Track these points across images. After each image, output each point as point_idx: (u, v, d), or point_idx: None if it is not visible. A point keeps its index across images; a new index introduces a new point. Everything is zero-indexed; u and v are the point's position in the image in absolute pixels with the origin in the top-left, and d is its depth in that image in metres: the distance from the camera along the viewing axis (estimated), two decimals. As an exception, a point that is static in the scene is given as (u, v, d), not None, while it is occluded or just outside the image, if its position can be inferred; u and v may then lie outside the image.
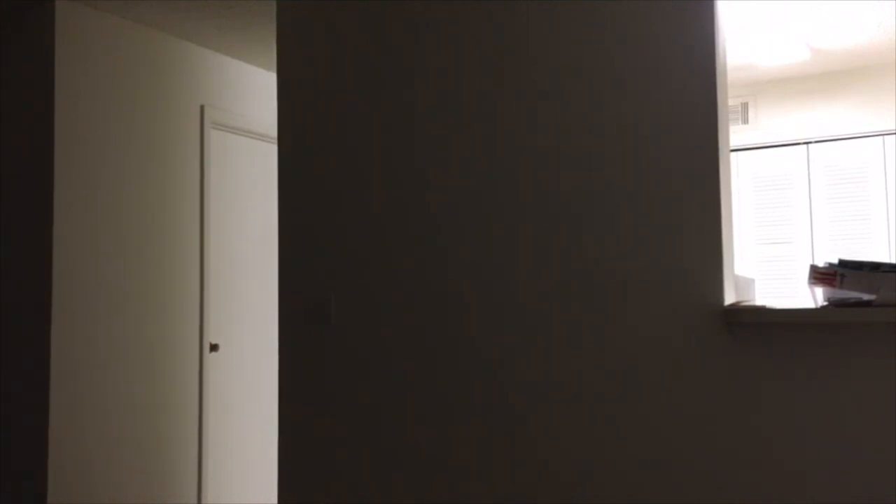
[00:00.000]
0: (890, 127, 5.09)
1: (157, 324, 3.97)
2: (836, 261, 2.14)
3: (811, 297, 2.19)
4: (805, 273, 5.09)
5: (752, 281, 2.80)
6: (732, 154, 5.49)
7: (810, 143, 5.30)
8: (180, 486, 4.06)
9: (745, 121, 5.53)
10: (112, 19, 3.85)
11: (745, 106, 5.54)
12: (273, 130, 4.73)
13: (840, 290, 2.07)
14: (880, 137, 5.09)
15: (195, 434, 4.17)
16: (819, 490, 2.11)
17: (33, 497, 3.47)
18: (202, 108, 4.30)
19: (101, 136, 3.76)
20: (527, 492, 2.43)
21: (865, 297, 2.03)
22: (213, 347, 4.32)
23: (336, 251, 2.76)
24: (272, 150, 4.83)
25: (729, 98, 5.54)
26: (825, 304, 2.11)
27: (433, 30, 2.64)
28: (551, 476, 2.40)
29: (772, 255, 5.35)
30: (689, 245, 2.27)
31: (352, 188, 2.75)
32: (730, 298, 2.30)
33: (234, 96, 4.54)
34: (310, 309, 2.78)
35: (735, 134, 5.52)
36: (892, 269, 2.03)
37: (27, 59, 3.67)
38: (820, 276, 2.10)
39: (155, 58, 4.05)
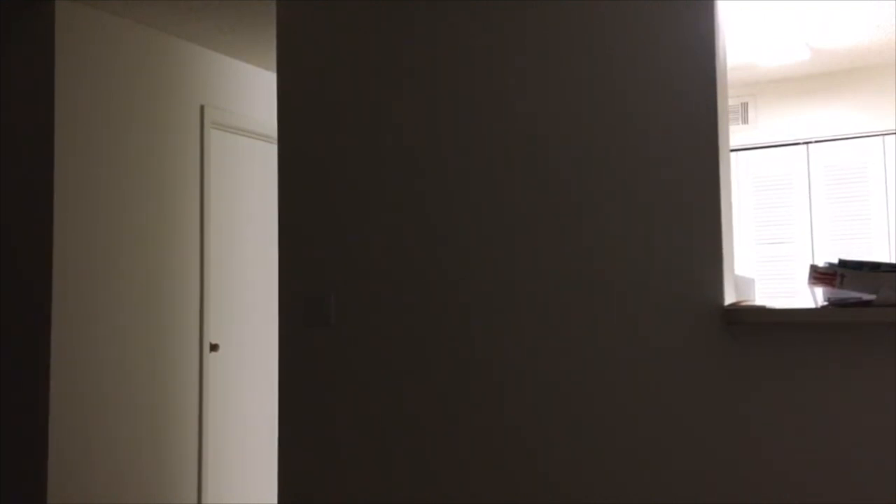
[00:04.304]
0: (890, 127, 5.09)
1: (157, 324, 3.97)
2: (836, 261, 2.14)
3: (811, 297, 2.19)
4: (805, 273, 5.09)
5: (752, 281, 2.80)
6: (732, 154, 5.49)
7: (810, 143, 5.30)
8: (180, 486, 4.06)
9: (745, 121, 5.53)
10: (112, 19, 3.85)
11: (745, 106, 5.54)
12: (273, 130, 4.73)
13: (840, 290, 2.07)
14: (880, 137, 5.09)
15: (195, 434, 4.16)
16: (819, 490, 2.11)
17: (33, 497, 3.47)
18: (202, 108, 4.30)
19: (101, 136, 3.76)
20: (527, 492, 2.43)
21: (865, 297, 2.03)
22: (213, 347, 4.32)
23: (336, 251, 2.76)
24: (272, 150, 4.83)
25: (729, 98, 5.54)
26: (825, 304, 2.11)
27: (433, 30, 2.64)
28: (551, 476, 2.40)
29: (772, 255, 5.35)
30: (689, 245, 2.27)
31: (352, 188, 2.75)
32: (730, 298, 2.30)
33: (234, 96, 4.54)
34: (310, 309, 2.78)
35: (735, 134, 5.52)
36: (892, 269, 2.03)
37: (27, 59, 3.67)
38: (820, 276, 2.10)
39: (155, 58, 4.05)
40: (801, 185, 5.29)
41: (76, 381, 3.59)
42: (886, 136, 5.07)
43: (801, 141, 5.33)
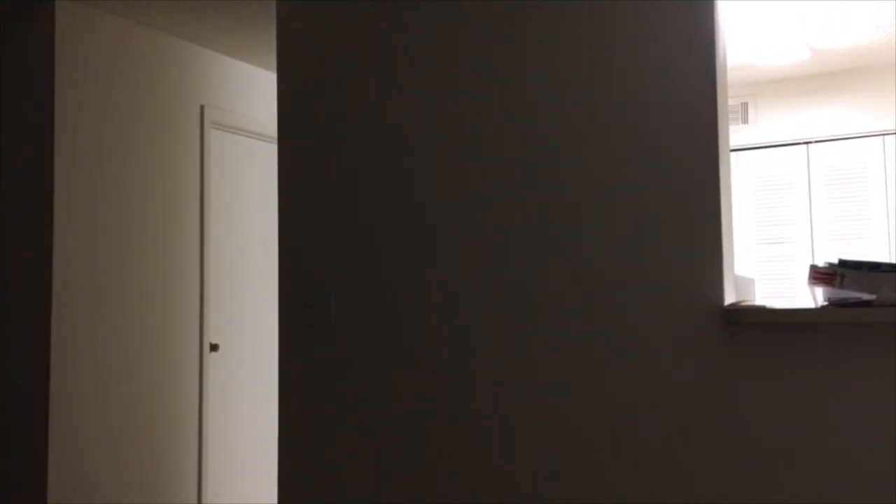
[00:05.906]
0: (890, 127, 5.09)
1: (157, 324, 3.97)
2: (836, 261, 2.14)
3: (811, 297, 2.19)
4: (805, 273, 5.09)
5: (752, 281, 2.80)
6: (732, 154, 5.49)
7: (810, 143, 5.30)
8: (180, 486, 4.06)
9: (745, 121, 5.53)
10: (112, 19, 3.85)
11: (745, 106, 5.54)
12: (273, 130, 4.73)
13: (840, 290, 2.07)
14: (880, 137, 5.09)
15: (195, 434, 4.16)
16: (818, 490, 2.11)
17: (33, 497, 3.47)
18: (202, 108, 4.30)
19: (101, 136, 3.76)
20: (527, 492, 2.43)
21: (865, 297, 2.03)
22: (213, 347, 4.32)
23: (336, 251, 2.76)
24: (272, 150, 4.83)
25: (729, 98, 5.54)
26: (825, 304, 2.11)
27: (433, 29, 2.64)
28: (550, 476, 2.40)
29: (772, 255, 5.35)
30: (689, 245, 2.27)
31: (352, 188, 2.75)
32: (730, 298, 2.30)
33: (234, 96, 4.54)
34: (309, 309, 2.78)
35: (735, 134, 5.52)
36: (892, 269, 2.03)
37: (27, 59, 3.67)
38: (820, 276, 2.10)
39: (155, 58, 4.05)
40: (801, 185, 5.29)
41: (76, 381, 3.59)
42: (886, 136, 5.07)
43: (801, 141, 5.33)
